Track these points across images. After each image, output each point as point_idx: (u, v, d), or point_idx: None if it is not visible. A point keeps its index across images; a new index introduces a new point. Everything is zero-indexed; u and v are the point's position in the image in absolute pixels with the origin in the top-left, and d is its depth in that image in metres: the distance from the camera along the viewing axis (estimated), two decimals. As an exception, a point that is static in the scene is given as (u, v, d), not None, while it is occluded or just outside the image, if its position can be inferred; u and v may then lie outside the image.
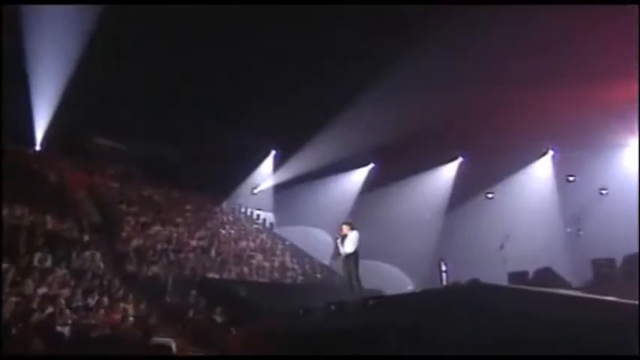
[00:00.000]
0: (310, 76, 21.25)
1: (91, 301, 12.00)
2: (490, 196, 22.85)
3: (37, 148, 23.12)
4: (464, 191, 24.01)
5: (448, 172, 25.80)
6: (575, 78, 17.02)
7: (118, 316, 11.28)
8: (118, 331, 10.57)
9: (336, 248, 11.58)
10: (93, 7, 19.28)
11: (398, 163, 24.18)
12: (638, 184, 17.71)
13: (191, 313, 13.32)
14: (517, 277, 10.82)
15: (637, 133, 18.52)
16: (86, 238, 16.35)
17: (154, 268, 15.85)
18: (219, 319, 12.94)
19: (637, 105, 16.19)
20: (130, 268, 15.70)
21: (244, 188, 27.15)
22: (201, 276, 16.14)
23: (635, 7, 13.51)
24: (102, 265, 14.99)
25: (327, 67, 21.07)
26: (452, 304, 8.81)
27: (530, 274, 10.86)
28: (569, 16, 15.03)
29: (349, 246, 11.41)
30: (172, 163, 26.93)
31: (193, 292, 14.20)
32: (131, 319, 11.36)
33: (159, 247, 17.38)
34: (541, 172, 23.58)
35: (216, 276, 16.85)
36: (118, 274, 15.16)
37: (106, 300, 12.07)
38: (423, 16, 17.25)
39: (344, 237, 11.48)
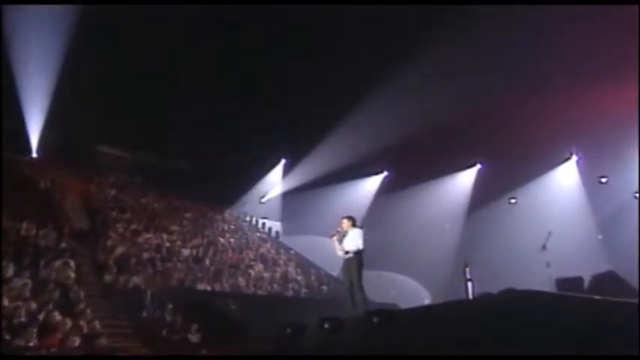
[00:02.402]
0: (322, 81, 19.65)
1: (40, 317, 9.31)
2: (513, 201, 20.10)
3: (34, 155, 21.14)
4: (483, 197, 21.51)
5: (466, 178, 23.04)
6: (597, 80, 15.50)
7: (58, 337, 8.56)
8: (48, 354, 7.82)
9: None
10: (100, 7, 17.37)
11: (412, 169, 21.91)
12: (639, 184, 16.25)
13: (165, 331, 10.54)
14: (568, 284, 7.83)
15: (637, 133, 16.33)
16: (63, 245, 13.84)
17: (135, 279, 13.20)
18: (194, 338, 10.17)
19: (637, 105, 14.84)
20: (108, 278, 13.06)
21: (252, 197, 24.64)
22: (187, 288, 13.43)
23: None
24: (73, 275, 12.32)
25: (339, 71, 19.42)
26: (484, 320, 6.00)
27: (587, 280, 7.89)
28: (586, 17, 13.77)
29: (350, 246, 8.65)
30: (178, 172, 24.86)
31: (170, 306, 11.40)
32: (77, 339, 8.63)
33: (145, 255, 14.80)
34: (565, 176, 20.72)
35: (207, 288, 14.12)
36: (90, 285, 12.54)
37: (57, 316, 9.36)
38: (439, 19, 15.55)
39: (343, 234, 8.74)
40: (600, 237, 18.31)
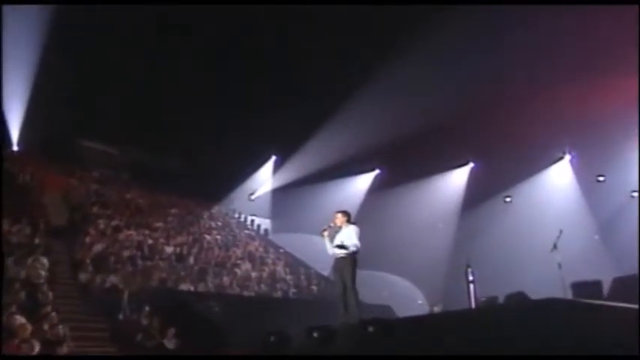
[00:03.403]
0: (313, 77, 18.72)
1: (-1, 320, 8.21)
2: (508, 199, 19.24)
3: (14, 148, 19.94)
4: (477, 196, 20.54)
5: (458, 177, 22.07)
6: (589, 78, 14.84)
7: (15, 342, 7.46)
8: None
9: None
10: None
11: (404, 167, 20.99)
12: (639, 184, 15.57)
13: (140, 336, 9.46)
14: (586, 289, 6.78)
15: (637, 133, 15.86)
16: (37, 241, 12.71)
17: (113, 279, 12.10)
18: (170, 344, 9.11)
19: (637, 105, 14.19)
20: (83, 277, 11.96)
21: (241, 194, 23.54)
22: (168, 288, 12.35)
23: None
24: (44, 273, 11.19)
25: (330, 68, 18.47)
26: (495, 331, 5.02)
27: (606, 285, 6.86)
28: (580, 14, 13.18)
29: (344, 244, 7.64)
30: (166, 168, 23.78)
31: (147, 308, 10.31)
32: (37, 345, 7.54)
33: (126, 253, 13.69)
34: (559, 175, 19.87)
35: (190, 288, 13.04)
36: (63, 285, 11.47)
37: (18, 319, 8.25)
38: (430, 16, 14.86)
39: (336, 231, 7.74)
40: (597, 237, 17.48)
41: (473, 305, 8.11)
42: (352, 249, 7.56)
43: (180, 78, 19.40)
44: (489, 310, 6.75)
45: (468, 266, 8.57)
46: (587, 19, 13.34)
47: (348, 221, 8.00)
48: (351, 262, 7.65)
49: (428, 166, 21.08)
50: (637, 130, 15.96)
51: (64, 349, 7.96)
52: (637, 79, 13.60)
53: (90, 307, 11.07)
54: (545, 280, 13.64)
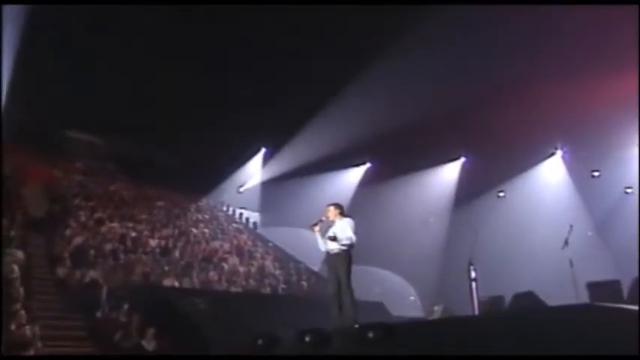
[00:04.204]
0: (304, 69, 17.85)
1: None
2: (501, 194, 18.66)
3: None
4: (469, 191, 19.93)
5: (449, 172, 21.43)
6: (581, 75, 14.22)
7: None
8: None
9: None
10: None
11: (396, 161, 20.33)
12: (639, 183, 15.16)
13: (117, 336, 8.69)
14: (603, 289, 6.11)
15: (637, 133, 15.66)
16: (12, 234, 11.86)
17: (93, 273, 11.27)
18: (149, 346, 8.36)
19: (637, 104, 13.88)
20: (61, 272, 11.15)
21: (230, 186, 22.73)
22: (150, 284, 11.57)
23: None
24: (17, 267, 10.35)
25: (321, 59, 17.58)
26: (507, 337, 4.37)
27: (627, 285, 6.17)
28: (570, 10, 12.74)
29: (339, 240, 6.97)
30: (153, 159, 22.91)
31: (126, 306, 9.53)
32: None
33: (108, 246, 12.86)
34: (552, 171, 19.34)
35: (174, 283, 12.26)
36: (38, 280, 10.67)
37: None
38: (423, 10, 14.10)
39: (328, 225, 7.07)
40: (590, 233, 16.98)
41: (476, 305, 7.47)
42: (346, 242, 6.89)
43: (169, 68, 18.61)
44: (497, 315, 6.07)
45: (470, 264, 7.92)
46: (579, 14, 12.78)
47: (342, 214, 7.34)
48: (345, 258, 7.00)
49: (419, 160, 20.44)
50: (634, 127, 15.56)
51: (30, 352, 7.17)
52: (637, 78, 13.12)
53: (67, 304, 10.28)
54: (545, 278, 13.17)
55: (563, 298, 6.84)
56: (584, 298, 7.49)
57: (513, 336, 4.45)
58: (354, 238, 7.00)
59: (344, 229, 7.03)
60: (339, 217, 7.24)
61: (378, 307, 12.58)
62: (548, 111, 15.90)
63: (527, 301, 6.16)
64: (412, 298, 17.01)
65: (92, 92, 19.23)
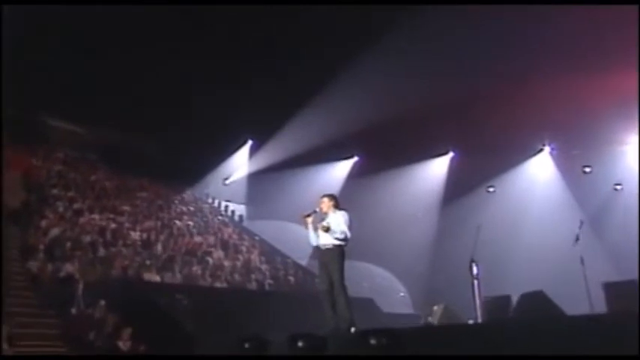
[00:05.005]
0: (292, 60, 17.09)
1: None
2: (491, 189, 18.20)
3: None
4: (458, 187, 19.44)
5: (438, 166, 20.92)
6: (569, 72, 13.90)
7: None
8: None
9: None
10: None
11: (383, 155, 19.77)
12: (639, 181, 14.73)
13: (92, 335, 7.98)
14: (620, 289, 5.57)
15: (637, 132, 15.34)
16: (-15, 225, 11.05)
17: (69, 267, 10.52)
18: (125, 347, 7.67)
19: (637, 103, 13.52)
20: (34, 266, 10.39)
21: (215, 178, 21.96)
22: (130, 278, 10.84)
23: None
24: (-13, 260, 9.58)
25: (309, 51, 16.73)
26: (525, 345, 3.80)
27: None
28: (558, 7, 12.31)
29: (332, 233, 6.36)
30: (137, 150, 22.05)
31: (102, 302, 8.80)
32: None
33: (86, 239, 12.07)
34: (540, 168, 18.99)
35: (156, 278, 11.53)
36: (8, 274, 9.85)
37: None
38: (411, 4, 13.60)
39: (321, 218, 6.45)
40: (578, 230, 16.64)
41: (478, 304, 6.92)
42: (339, 236, 6.28)
43: (154, 57, 17.84)
44: (511, 319, 5.50)
45: (472, 261, 7.36)
46: (568, 11, 12.30)
47: (336, 207, 6.70)
48: (338, 253, 6.38)
49: (407, 155, 19.94)
50: (622, 123, 15.18)
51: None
52: (637, 77, 12.68)
53: (40, 300, 9.55)
54: (541, 274, 12.73)
55: (563, 296, 6.39)
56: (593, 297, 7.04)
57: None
58: (348, 233, 6.40)
59: (339, 223, 6.42)
60: (332, 209, 6.62)
61: (368, 303, 12.01)
62: (535, 107, 15.50)
63: (537, 301, 5.61)
64: (402, 294, 16.48)
65: (76, 81, 18.47)
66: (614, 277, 7.83)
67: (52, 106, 19.91)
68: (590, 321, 4.52)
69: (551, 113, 15.63)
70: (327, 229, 6.28)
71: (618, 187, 16.49)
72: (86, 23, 16.36)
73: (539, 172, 18.75)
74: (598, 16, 12.45)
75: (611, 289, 5.58)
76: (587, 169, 16.83)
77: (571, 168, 17.48)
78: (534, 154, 18.79)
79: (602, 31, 12.74)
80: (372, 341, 4.21)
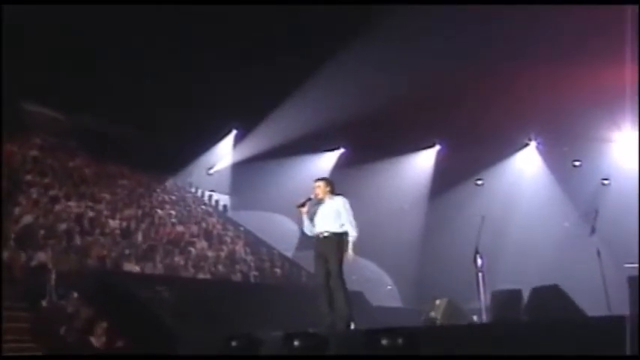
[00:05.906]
0: (279, 48, 16.69)
1: None
2: (480, 182, 17.81)
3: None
4: (445, 179, 19.05)
5: (424, 159, 20.50)
6: (557, 66, 14.01)
7: None
8: None
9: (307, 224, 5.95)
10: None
11: (369, 147, 19.34)
12: (639, 181, 14.27)
13: (63, 329, 7.25)
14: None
15: (637, 130, 15.12)
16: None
17: (41, 256, 9.72)
18: (97, 342, 6.96)
19: (637, 103, 13.55)
20: (4, 254, 9.55)
21: (199, 167, 21.20)
22: (107, 269, 10.09)
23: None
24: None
25: (296, 39, 16.38)
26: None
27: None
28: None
29: (329, 221, 5.74)
30: (119, 137, 21.16)
31: (75, 294, 8.05)
32: None
33: (61, 227, 11.26)
34: (526, 162, 18.77)
35: (135, 268, 10.80)
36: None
37: None
38: None
39: (317, 204, 5.83)
40: (566, 224, 16.34)
41: (482, 298, 6.40)
42: (355, 230, 5.75)
43: (138, 44, 17.03)
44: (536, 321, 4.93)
45: (477, 252, 6.81)
46: (556, 7, 12.28)
47: (332, 192, 6.09)
48: (337, 243, 5.78)
49: (394, 147, 19.54)
50: (610, 119, 15.18)
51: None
52: (637, 76, 12.71)
53: (8, 292, 8.74)
54: (535, 267, 12.31)
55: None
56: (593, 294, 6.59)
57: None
58: (345, 220, 5.81)
59: (335, 210, 5.83)
60: (329, 195, 6.00)
61: (359, 296, 11.44)
62: (521, 101, 15.33)
63: (552, 297, 5.07)
64: (389, 287, 15.99)
65: (56, 67, 17.59)
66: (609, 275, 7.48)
67: (31, 92, 19.08)
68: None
69: (537, 108, 15.52)
70: (327, 222, 5.74)
71: (606, 181, 16.31)
72: (66, 4, 15.61)
73: (526, 167, 18.51)
74: (584, 13, 12.42)
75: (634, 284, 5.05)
76: (577, 163, 16.68)
77: (558, 162, 17.30)
78: (520, 148, 18.61)
79: (589, 29, 12.71)
80: (384, 342, 3.60)
